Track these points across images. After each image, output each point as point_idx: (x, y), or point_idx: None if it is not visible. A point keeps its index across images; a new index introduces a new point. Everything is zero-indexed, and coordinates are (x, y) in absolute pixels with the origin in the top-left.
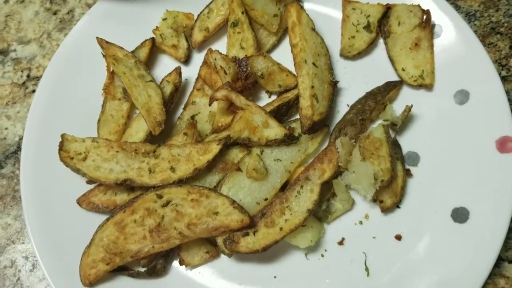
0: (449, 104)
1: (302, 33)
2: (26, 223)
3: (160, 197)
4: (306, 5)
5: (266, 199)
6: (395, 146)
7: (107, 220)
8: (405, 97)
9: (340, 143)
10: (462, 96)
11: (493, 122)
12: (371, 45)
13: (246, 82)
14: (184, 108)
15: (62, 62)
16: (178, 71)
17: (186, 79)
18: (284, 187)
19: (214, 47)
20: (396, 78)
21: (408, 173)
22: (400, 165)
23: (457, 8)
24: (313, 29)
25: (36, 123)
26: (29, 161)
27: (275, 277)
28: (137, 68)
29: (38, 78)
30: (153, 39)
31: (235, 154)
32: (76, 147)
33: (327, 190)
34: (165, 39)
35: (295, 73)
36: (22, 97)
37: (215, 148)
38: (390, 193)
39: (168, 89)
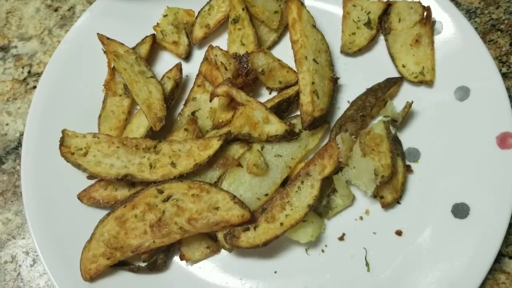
0: (450, 101)
1: (303, 29)
2: (27, 218)
3: (161, 192)
4: (307, 2)
5: (266, 195)
6: (395, 142)
7: (108, 215)
8: (406, 94)
9: (340, 139)
10: (463, 93)
11: (493, 118)
12: (371, 42)
13: (247, 78)
14: (185, 104)
15: (63, 59)
16: (178, 67)
17: (186, 76)
18: (284, 183)
19: (214, 43)
20: (396, 75)
21: (408, 169)
22: (400, 161)
23: (458, 5)
24: (314, 26)
25: (37, 119)
26: (29, 156)
27: (275, 272)
28: (137, 64)
29: (39, 75)
30: (153, 35)
31: (236, 150)
32: (77, 143)
33: (327, 185)
34: (166, 36)
35: (295, 69)
36: (23, 93)
37: (215, 144)
38: (390, 189)
39: (168, 85)
